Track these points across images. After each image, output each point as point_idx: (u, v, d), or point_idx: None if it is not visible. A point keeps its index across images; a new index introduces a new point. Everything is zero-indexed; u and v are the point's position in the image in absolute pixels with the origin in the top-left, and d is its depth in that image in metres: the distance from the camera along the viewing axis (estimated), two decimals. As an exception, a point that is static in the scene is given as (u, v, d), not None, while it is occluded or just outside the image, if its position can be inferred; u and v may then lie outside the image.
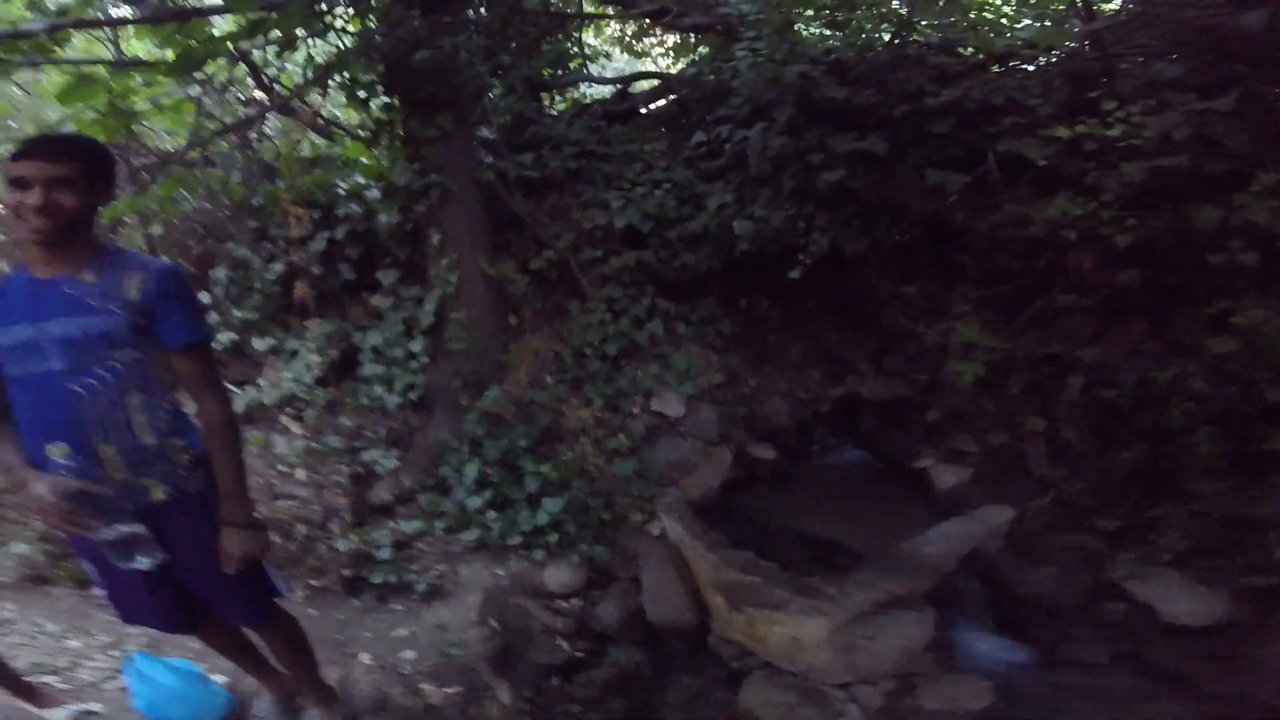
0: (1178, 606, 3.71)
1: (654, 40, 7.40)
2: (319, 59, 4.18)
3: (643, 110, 5.74)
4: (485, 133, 4.76)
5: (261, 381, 4.50)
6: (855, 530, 4.24)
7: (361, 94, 3.93)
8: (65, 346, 1.98)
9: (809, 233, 4.29)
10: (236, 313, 4.48)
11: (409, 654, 3.64)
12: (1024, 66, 4.33)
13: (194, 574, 2.33)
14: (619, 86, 6.05)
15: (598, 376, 4.38)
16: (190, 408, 2.26)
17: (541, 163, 4.82)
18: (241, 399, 4.38)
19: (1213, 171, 3.17)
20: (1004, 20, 4.92)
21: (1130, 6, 4.19)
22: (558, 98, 6.28)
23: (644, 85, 6.15)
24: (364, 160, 4.58)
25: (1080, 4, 3.96)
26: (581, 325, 4.48)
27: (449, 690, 3.49)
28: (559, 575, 3.96)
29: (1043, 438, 4.22)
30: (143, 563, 2.19)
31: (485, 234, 4.38)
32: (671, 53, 7.35)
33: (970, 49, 4.32)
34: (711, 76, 5.09)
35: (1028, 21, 4.85)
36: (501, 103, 5.11)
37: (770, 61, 4.23)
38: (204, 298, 4.38)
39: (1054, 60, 4.27)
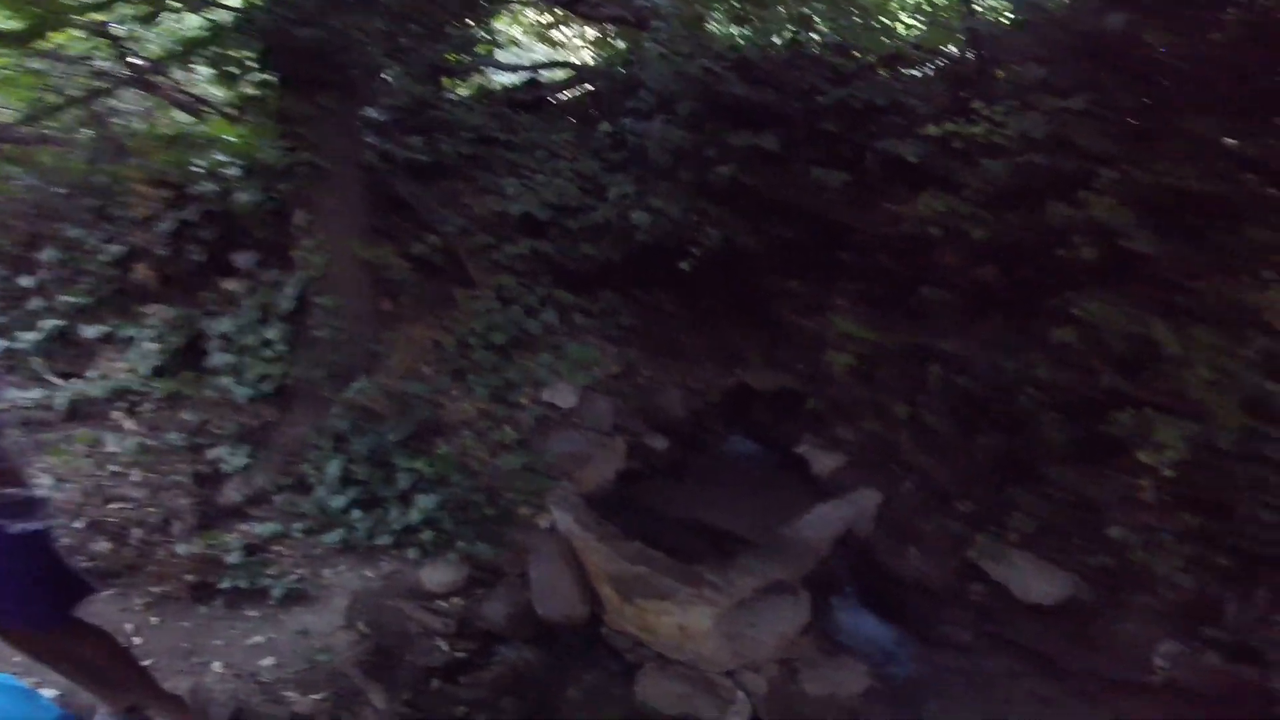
0: (1030, 586, 4.08)
1: (572, 32, 7.51)
2: (192, 32, 3.86)
3: (554, 100, 5.86)
4: (375, 114, 4.72)
5: (91, 373, 4.06)
6: (744, 517, 4.40)
7: (232, 70, 3.68)
8: None
9: (703, 226, 4.40)
10: (65, 297, 4.03)
11: (268, 661, 3.46)
12: (910, 70, 4.66)
13: None
14: (531, 75, 6.13)
15: (483, 366, 4.35)
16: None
17: (435, 147, 4.81)
18: (64, 393, 3.93)
19: (1066, 170, 3.54)
20: (897, 23, 5.29)
21: (1009, 8, 4.56)
22: (462, 84, 6.26)
23: (558, 76, 6.28)
24: (228, 138, 4.40)
25: (963, 6, 4.30)
26: (467, 313, 4.45)
27: (316, 697, 3.34)
28: (437, 574, 3.87)
29: (910, 425, 4.53)
30: None
31: (361, 216, 4.27)
32: (590, 46, 7.50)
33: (861, 51, 4.61)
34: (622, 69, 5.18)
35: (916, 24, 5.25)
36: (397, 85, 5.04)
37: (676, 55, 4.36)
38: (27, 281, 3.93)
39: (938, 64, 4.62)
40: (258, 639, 3.50)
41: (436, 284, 4.54)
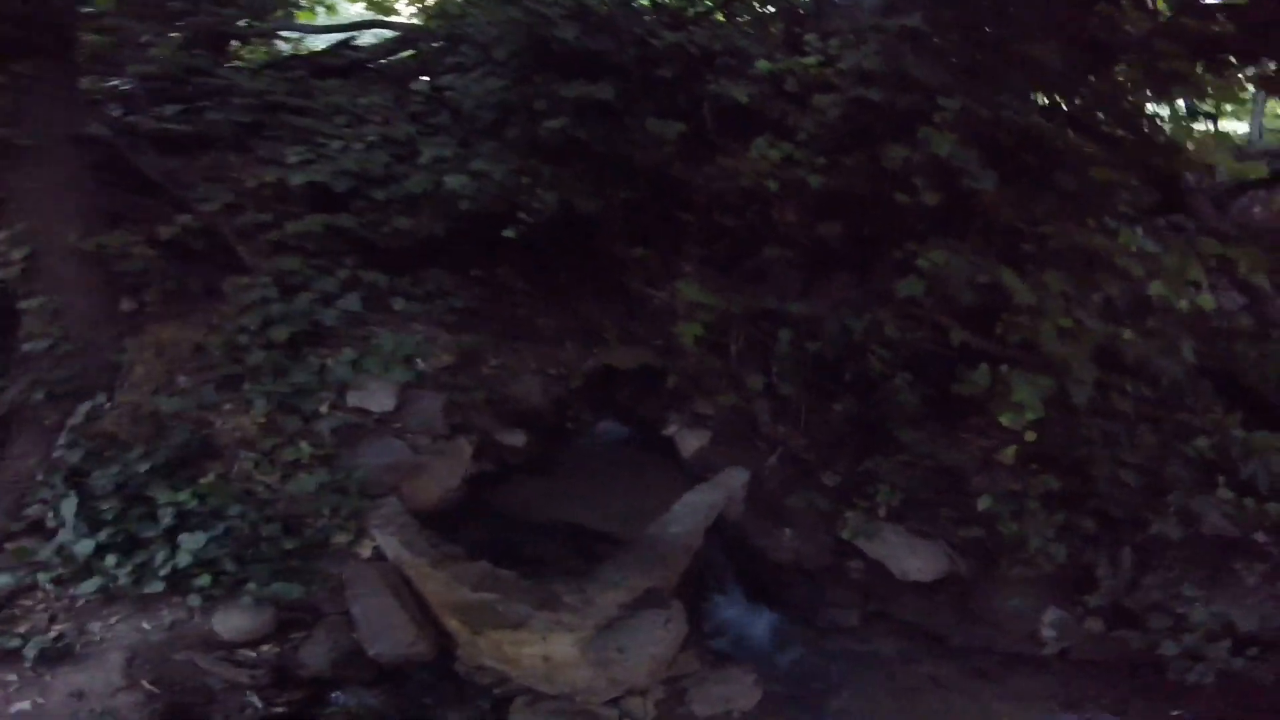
0: (905, 563, 3.94)
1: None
2: None
3: (372, 66, 5.24)
4: (121, 83, 4.09)
5: None
6: (615, 513, 4.01)
7: None
8: None
9: (534, 189, 3.90)
10: None
11: None
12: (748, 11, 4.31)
13: None
14: (346, 38, 5.47)
15: (261, 371, 3.64)
16: None
17: (200, 117, 4.13)
18: None
19: (903, 106, 3.31)
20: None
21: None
22: (256, 50, 5.62)
23: (384, 38, 5.67)
24: None
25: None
26: (238, 307, 3.67)
27: None
28: (232, 620, 3.29)
29: (766, 395, 4.32)
30: None
31: (81, 199, 3.55)
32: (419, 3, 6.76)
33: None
34: (446, 24, 4.67)
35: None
36: (158, 51, 4.32)
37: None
38: None
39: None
40: (22, 706, 2.95)
41: (199, 274, 3.75)
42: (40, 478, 3.27)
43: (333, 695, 3.21)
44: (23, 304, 3.40)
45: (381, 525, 3.55)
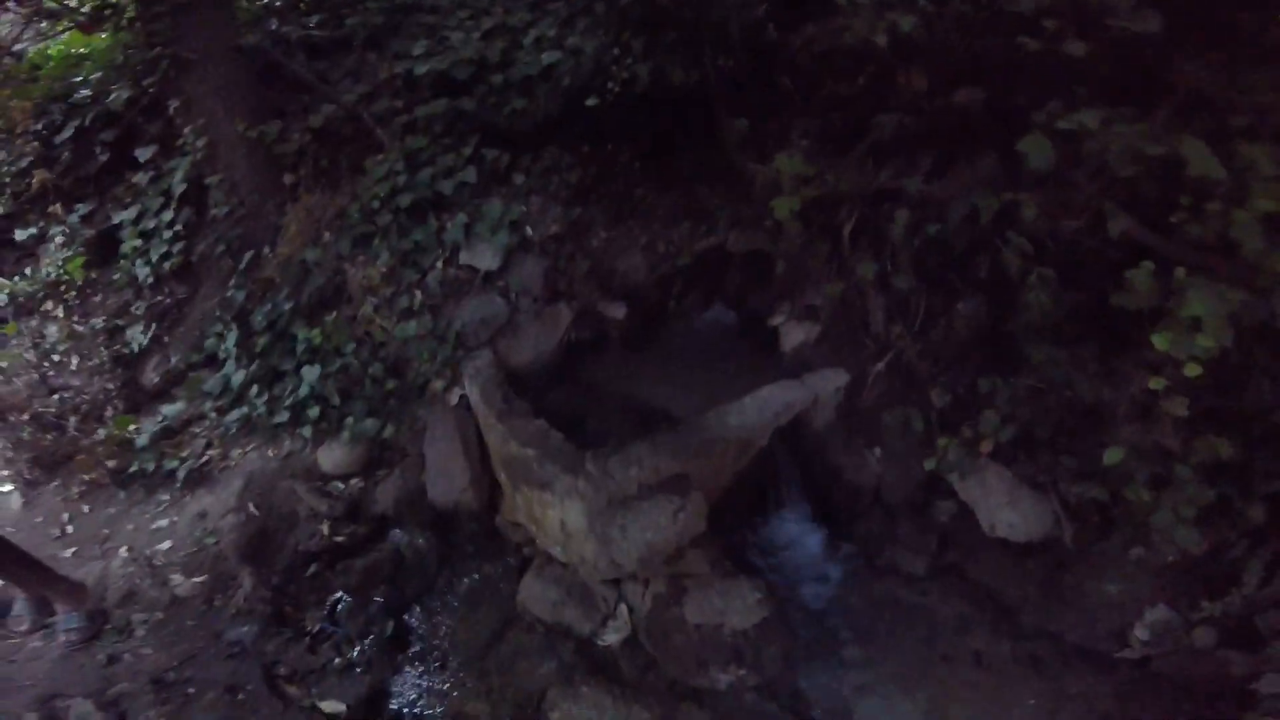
0: (996, 515, 3.29)
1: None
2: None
3: None
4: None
5: (29, 270, 4.20)
6: (694, 397, 3.85)
7: None
8: None
9: (623, 61, 3.72)
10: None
11: (165, 545, 3.58)
12: None
13: None
14: None
15: (389, 230, 4.03)
16: None
17: (338, 23, 4.49)
18: (5, 289, 4.14)
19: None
20: None
21: None
22: None
23: None
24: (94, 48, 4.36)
25: None
26: (373, 179, 4.05)
27: (196, 580, 3.45)
28: (333, 454, 3.73)
29: (880, 288, 3.74)
30: None
31: (244, 97, 4.03)
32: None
33: None
34: None
35: None
36: None
37: None
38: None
39: None
40: (162, 522, 3.61)
41: (346, 153, 4.22)
42: (218, 316, 3.94)
43: (391, 533, 3.55)
44: (208, 180, 4.05)
45: (473, 376, 3.74)
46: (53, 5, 3.81)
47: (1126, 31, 2.54)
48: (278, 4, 4.45)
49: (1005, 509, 3.26)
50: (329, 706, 2.75)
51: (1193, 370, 2.65)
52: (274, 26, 4.36)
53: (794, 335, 4.11)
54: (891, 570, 3.47)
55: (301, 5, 4.57)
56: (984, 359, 3.50)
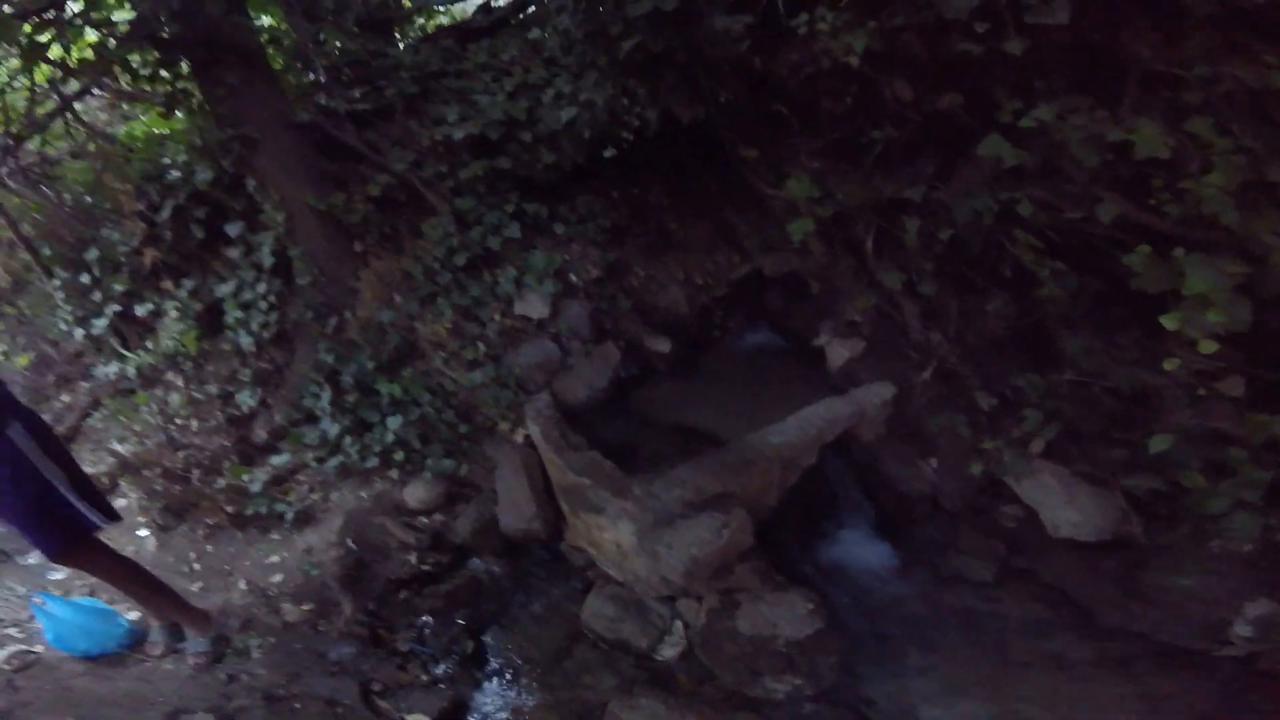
0: (1057, 514, 3.22)
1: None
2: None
3: (513, 21, 5.60)
4: (314, 76, 4.83)
5: (149, 343, 4.81)
6: (740, 419, 4.01)
7: (145, 72, 3.97)
8: None
9: (633, 109, 4.00)
10: (115, 286, 4.77)
11: (277, 578, 3.98)
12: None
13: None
14: (481, 3, 5.89)
15: (449, 288, 4.39)
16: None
17: (378, 94, 4.82)
18: (132, 363, 4.72)
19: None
20: None
21: None
22: (413, 27, 6.27)
23: None
24: (161, 130, 4.83)
25: None
26: (430, 241, 4.47)
27: (304, 607, 3.79)
28: (416, 492, 4.10)
29: (910, 297, 3.84)
30: None
31: (307, 171, 4.42)
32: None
33: None
34: None
35: None
36: (325, 46, 5.11)
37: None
38: (85, 278, 4.75)
39: None
40: (274, 559, 4.03)
41: (404, 218, 4.60)
42: (311, 376, 4.32)
43: (469, 561, 3.86)
44: (290, 251, 4.45)
45: (534, 416, 4.05)
46: (131, 89, 4.20)
47: (1040, 24, 2.60)
48: (322, 79, 4.75)
49: (1065, 507, 3.20)
50: (414, 719, 3.07)
51: (1207, 347, 2.66)
52: (323, 101, 4.67)
53: (839, 353, 4.24)
54: (958, 578, 3.39)
55: (343, 78, 4.88)
56: (1023, 357, 3.53)
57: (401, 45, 5.61)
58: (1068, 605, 3.14)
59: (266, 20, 5.13)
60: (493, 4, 5.75)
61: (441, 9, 6.33)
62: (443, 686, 3.26)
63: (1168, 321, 2.74)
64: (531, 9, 5.50)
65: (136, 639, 3.51)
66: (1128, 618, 2.99)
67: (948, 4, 2.66)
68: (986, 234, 3.37)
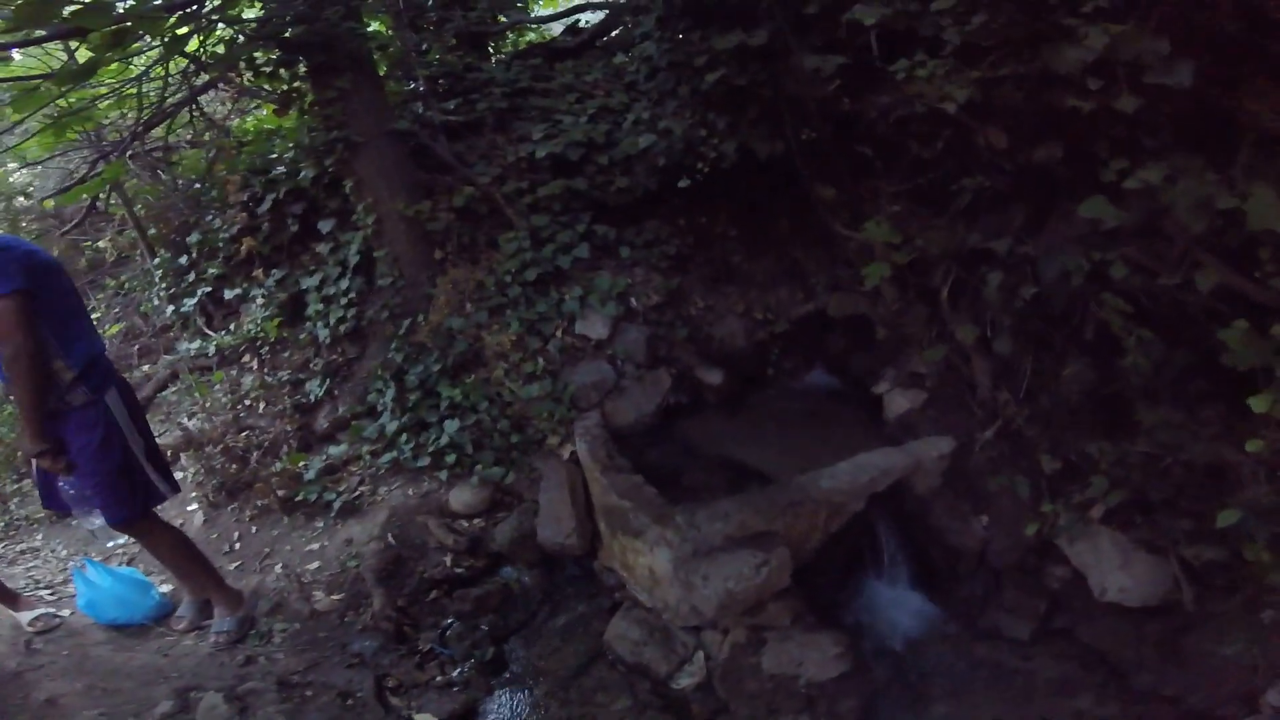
0: (1108, 578, 3.15)
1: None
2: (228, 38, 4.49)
3: (598, 44, 5.75)
4: (414, 85, 5.03)
5: (233, 326, 5.04)
6: (787, 460, 3.86)
7: (265, 70, 4.23)
8: None
9: (710, 140, 4.02)
10: (210, 269, 5.04)
11: (314, 565, 4.00)
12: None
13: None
14: (572, 22, 6.11)
15: (518, 302, 4.43)
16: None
17: (470, 107, 4.98)
18: (213, 343, 4.95)
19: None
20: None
21: None
22: (507, 44, 6.47)
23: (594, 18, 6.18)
24: (271, 128, 5.08)
25: None
26: (505, 255, 4.54)
27: (335, 597, 3.79)
28: (462, 495, 4.10)
29: (982, 353, 3.67)
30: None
31: (401, 178, 4.56)
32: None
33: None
34: None
35: None
36: (426, 57, 5.32)
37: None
38: (183, 260, 5.04)
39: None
40: (315, 546, 4.05)
41: (483, 231, 4.71)
42: (380, 373, 4.42)
43: (503, 569, 3.82)
44: (376, 253, 4.60)
45: (582, 434, 4.02)
46: (251, 86, 4.46)
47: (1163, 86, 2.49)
48: (421, 89, 4.94)
49: (1118, 573, 3.10)
50: (423, 718, 3.01)
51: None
52: (420, 110, 4.87)
53: (899, 402, 4.07)
54: (994, 634, 3.31)
55: (438, 90, 5.05)
56: (1095, 423, 3.33)
57: (493, 60, 5.81)
58: (1101, 666, 3.07)
59: (374, 26, 5.40)
60: (580, 25, 5.92)
61: (532, 27, 6.52)
62: (457, 689, 3.19)
63: (1257, 404, 2.55)
64: (616, 32, 5.61)
65: (165, 613, 3.57)
66: (1160, 681, 2.92)
67: (1060, 58, 2.56)
68: (1073, 294, 3.20)
